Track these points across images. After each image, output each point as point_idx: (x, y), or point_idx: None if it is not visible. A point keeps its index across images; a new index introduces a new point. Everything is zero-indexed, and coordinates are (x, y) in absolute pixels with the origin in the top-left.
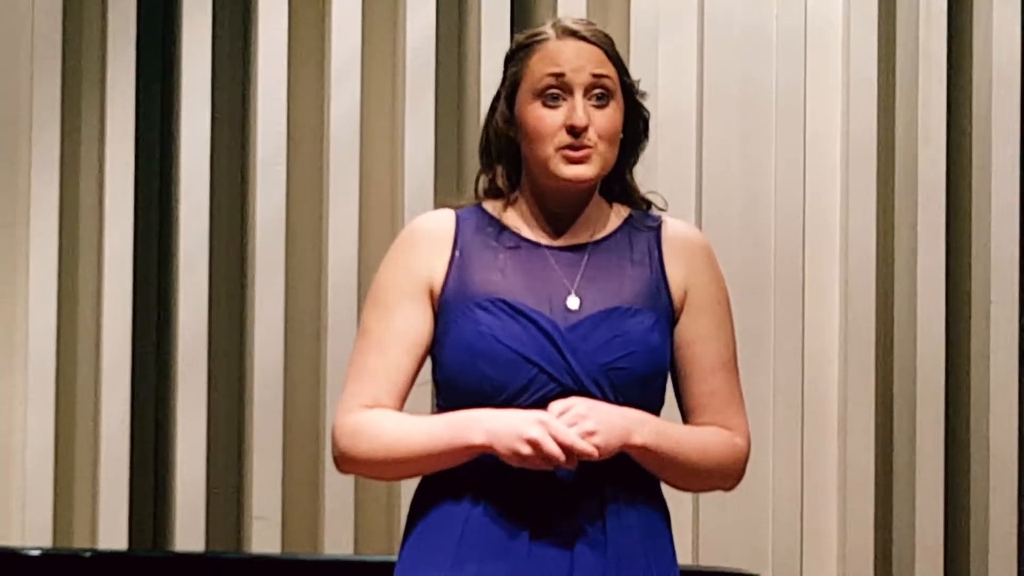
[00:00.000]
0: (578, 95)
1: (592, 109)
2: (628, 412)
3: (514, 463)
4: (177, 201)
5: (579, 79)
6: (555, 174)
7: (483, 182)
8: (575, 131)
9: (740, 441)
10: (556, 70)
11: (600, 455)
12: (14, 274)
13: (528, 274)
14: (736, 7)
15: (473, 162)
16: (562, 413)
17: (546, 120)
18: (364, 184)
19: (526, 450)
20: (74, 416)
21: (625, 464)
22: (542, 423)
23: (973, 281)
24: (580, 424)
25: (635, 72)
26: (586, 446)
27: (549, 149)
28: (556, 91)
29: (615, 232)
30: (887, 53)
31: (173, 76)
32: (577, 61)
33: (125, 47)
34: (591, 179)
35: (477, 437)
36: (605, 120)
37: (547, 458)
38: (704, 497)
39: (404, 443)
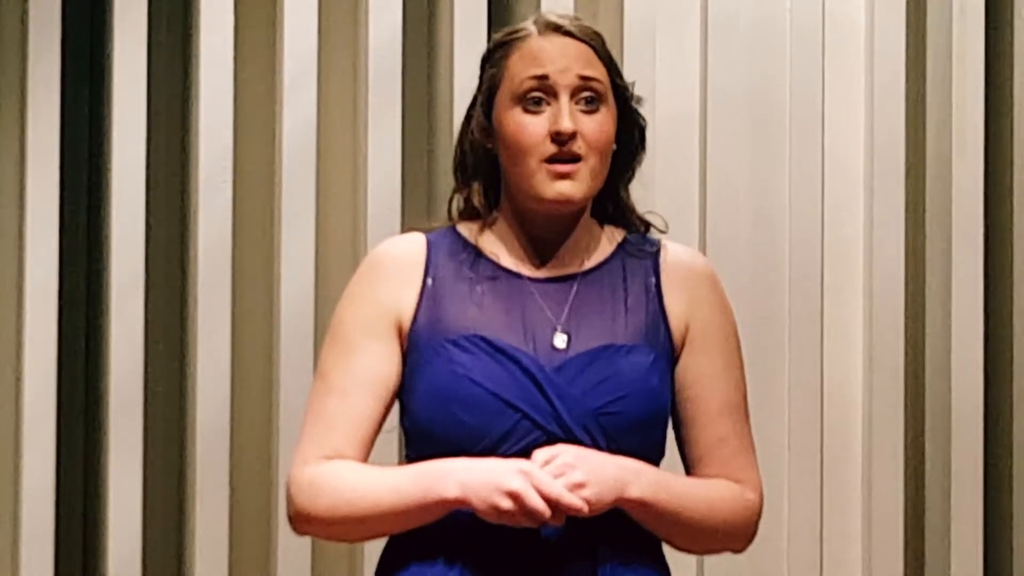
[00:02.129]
0: (564, 99)
1: (580, 115)
2: (622, 462)
3: (493, 519)
4: (108, 225)
5: (565, 81)
6: (538, 193)
7: (458, 202)
8: (561, 138)
9: (751, 496)
10: (538, 71)
11: (591, 510)
12: None
13: (509, 307)
14: (744, 1)
15: (446, 179)
16: (547, 462)
17: (528, 128)
18: (322, 205)
19: (506, 504)
20: None
21: (620, 521)
22: (524, 474)
23: (1015, 310)
24: (568, 475)
25: (630, 74)
26: (574, 500)
27: (532, 162)
28: (539, 95)
29: (608, 259)
30: (916, 53)
31: (103, 82)
32: (562, 60)
33: (48, 49)
34: (579, 200)
35: (451, 490)
36: (595, 127)
37: (530, 513)
38: (710, 559)
39: (368, 499)
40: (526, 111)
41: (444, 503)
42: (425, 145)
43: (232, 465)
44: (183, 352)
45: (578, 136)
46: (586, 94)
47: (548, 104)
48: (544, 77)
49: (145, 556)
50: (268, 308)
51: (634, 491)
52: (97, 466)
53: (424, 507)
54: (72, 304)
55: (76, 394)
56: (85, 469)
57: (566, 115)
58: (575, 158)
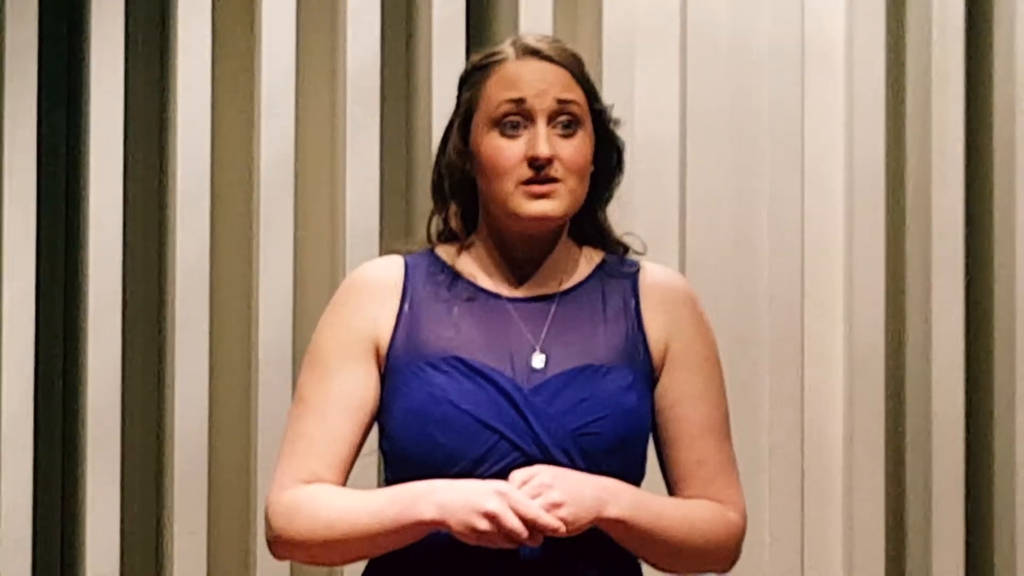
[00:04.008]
0: (541, 123)
1: (557, 139)
2: (601, 481)
3: (471, 541)
4: (85, 246)
5: (542, 105)
6: (516, 212)
7: (436, 224)
8: (538, 163)
9: (734, 515)
10: (515, 95)
11: (568, 530)
12: None
13: (486, 329)
14: (723, 20)
15: (424, 201)
16: (524, 483)
17: (505, 152)
18: (300, 227)
19: (483, 525)
20: None
21: (599, 541)
22: (501, 494)
23: (995, 327)
24: (545, 495)
25: (608, 97)
26: (551, 520)
27: (508, 185)
28: (516, 119)
29: (586, 280)
30: (896, 73)
31: (80, 104)
32: (540, 84)
33: (25, 72)
34: (558, 217)
35: (428, 512)
36: (572, 151)
37: (508, 534)
38: None
39: (346, 521)
40: (503, 135)
41: (422, 525)
42: (403, 167)
43: (210, 488)
44: (161, 373)
45: (555, 161)
46: (563, 118)
47: (525, 128)
48: (521, 101)
49: (123, 572)
50: (246, 330)
51: (613, 511)
52: (75, 488)
53: (402, 529)
54: (49, 325)
55: (54, 415)
56: (63, 490)
57: (543, 140)
58: (552, 180)
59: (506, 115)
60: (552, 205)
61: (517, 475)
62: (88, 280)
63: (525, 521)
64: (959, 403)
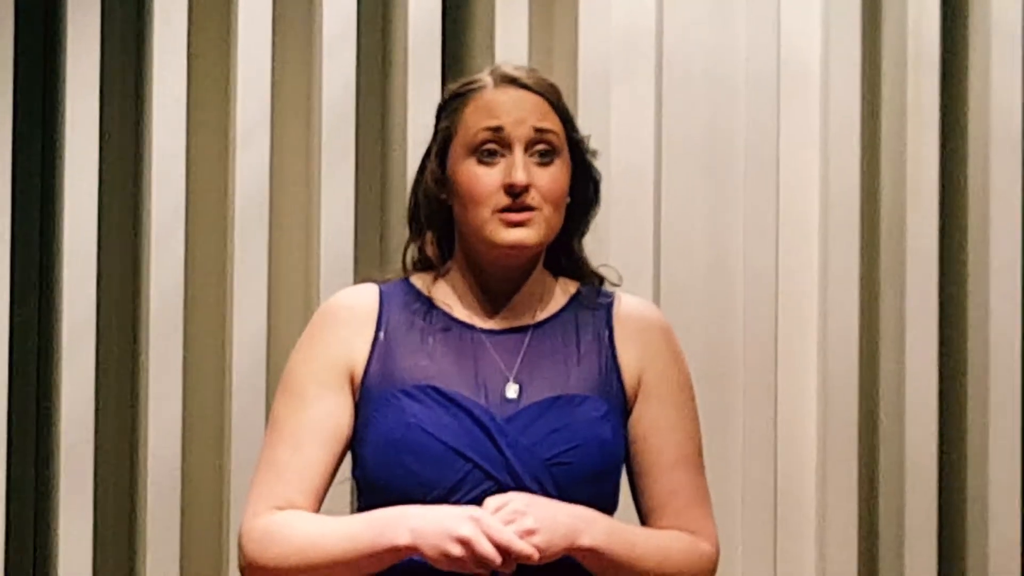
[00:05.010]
0: (518, 151)
1: (535, 167)
2: (575, 510)
3: (444, 567)
4: (60, 276)
5: (519, 133)
6: (492, 240)
7: (412, 252)
8: (514, 191)
9: (706, 547)
10: (493, 123)
11: (541, 557)
12: None
13: (461, 358)
14: (699, 50)
15: (399, 231)
16: (498, 509)
17: (482, 179)
18: (274, 256)
19: (457, 551)
20: None
21: (571, 570)
22: (475, 520)
23: (969, 363)
24: (518, 521)
25: (583, 126)
26: (525, 547)
27: (485, 212)
28: (493, 146)
29: (561, 311)
30: (871, 103)
31: (55, 132)
32: (517, 112)
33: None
34: (533, 246)
35: (401, 537)
36: (549, 180)
37: (481, 560)
38: None
39: (319, 547)
40: (480, 162)
41: (395, 550)
42: (378, 197)
43: (183, 516)
44: (134, 402)
45: (532, 189)
46: (540, 147)
47: (502, 156)
48: (499, 129)
49: None
50: (220, 358)
51: (586, 539)
52: (47, 515)
53: (375, 555)
54: (23, 353)
55: (27, 442)
56: (35, 518)
57: (520, 168)
58: (528, 208)
59: (483, 143)
60: (528, 233)
61: (491, 501)
62: (62, 309)
63: (498, 547)
64: (933, 434)
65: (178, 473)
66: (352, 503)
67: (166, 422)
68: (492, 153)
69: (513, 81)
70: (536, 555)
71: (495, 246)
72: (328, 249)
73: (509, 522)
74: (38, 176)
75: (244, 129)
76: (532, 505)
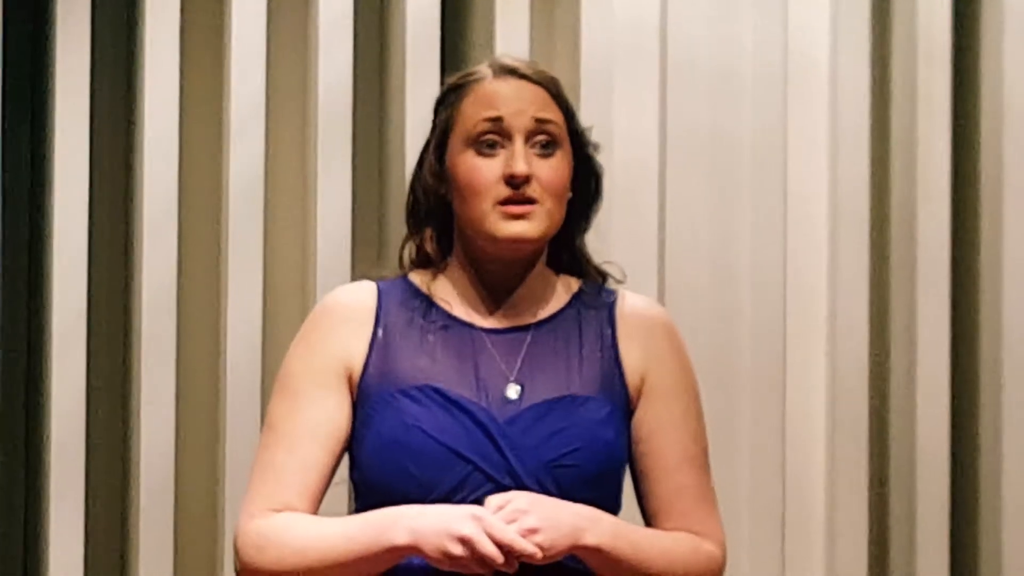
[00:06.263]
0: (518, 141)
1: (535, 158)
2: (579, 508)
3: (445, 567)
4: (50, 269)
5: (519, 123)
6: (492, 234)
7: (410, 249)
8: (515, 182)
9: (712, 548)
10: (492, 113)
11: (544, 556)
12: None
13: (461, 358)
14: (704, 45)
15: (397, 227)
16: (500, 508)
17: (481, 171)
18: (269, 251)
19: (457, 550)
20: None
21: (575, 570)
22: (476, 519)
23: (981, 359)
24: (521, 520)
25: (586, 120)
26: (527, 546)
27: (485, 205)
28: (493, 137)
29: (563, 309)
30: (881, 97)
31: (45, 122)
32: (517, 103)
33: None
34: (535, 239)
35: (401, 537)
36: (550, 171)
37: (482, 559)
38: None
39: (317, 549)
40: (479, 154)
41: (395, 550)
42: (376, 191)
43: (177, 518)
44: (126, 401)
45: (533, 180)
46: (541, 137)
47: (502, 147)
48: (498, 119)
49: None
50: (214, 355)
51: (590, 539)
52: (37, 517)
53: (374, 555)
54: (12, 350)
55: (16, 442)
56: (25, 520)
57: (520, 158)
58: (529, 201)
59: (483, 134)
60: (528, 227)
61: (493, 500)
62: (52, 302)
63: (500, 546)
64: (944, 432)
65: (171, 471)
66: (350, 506)
67: (159, 419)
68: (492, 144)
69: (513, 72)
70: (539, 554)
71: (495, 240)
72: (325, 244)
73: (511, 521)
74: (27, 166)
75: (238, 120)
76: (535, 504)
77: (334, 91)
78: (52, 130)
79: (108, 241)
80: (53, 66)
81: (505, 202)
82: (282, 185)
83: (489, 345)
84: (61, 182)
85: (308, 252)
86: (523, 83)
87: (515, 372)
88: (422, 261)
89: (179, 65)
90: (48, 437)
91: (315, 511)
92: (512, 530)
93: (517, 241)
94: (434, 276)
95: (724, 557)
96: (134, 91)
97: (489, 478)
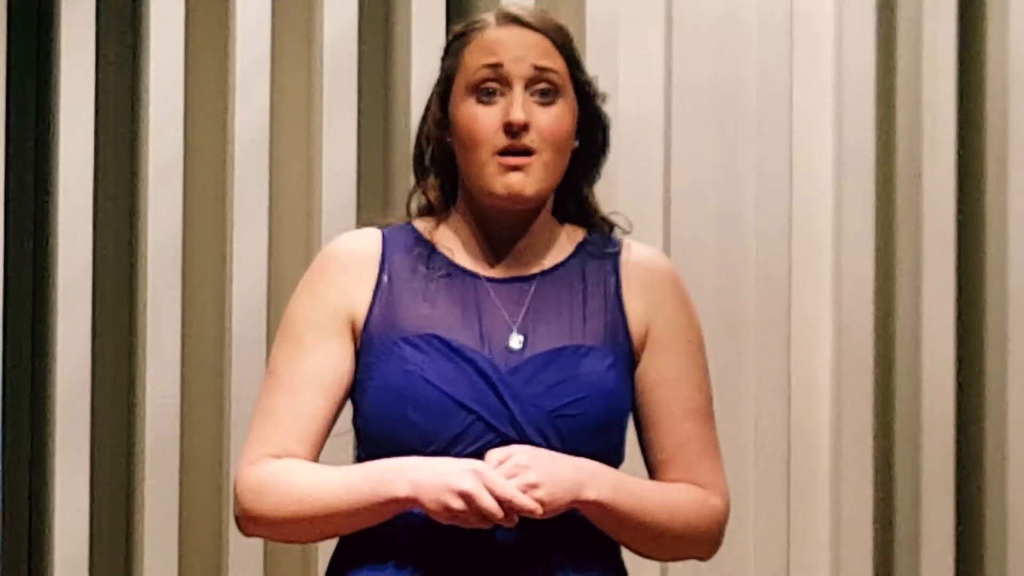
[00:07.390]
0: (517, 88)
1: (535, 106)
2: (580, 463)
3: (444, 520)
4: (55, 222)
5: (518, 70)
6: (488, 188)
7: (417, 199)
8: (512, 129)
9: (716, 501)
10: (492, 60)
11: (545, 512)
12: None
13: (463, 307)
14: None
15: (402, 175)
16: (501, 462)
17: (480, 118)
18: (275, 201)
19: (457, 504)
20: None
21: (577, 524)
22: (477, 473)
23: (987, 310)
24: (521, 475)
25: (592, 72)
26: (527, 501)
27: (484, 154)
28: (493, 85)
29: (567, 259)
30: (886, 49)
31: (50, 78)
32: (517, 50)
33: None
34: (530, 195)
35: (401, 489)
36: (550, 120)
37: (482, 514)
38: (674, 566)
39: (317, 497)
40: (479, 102)
41: (395, 502)
42: (381, 141)
43: (182, 466)
44: (131, 353)
45: (531, 128)
46: (541, 85)
47: (502, 95)
48: (498, 66)
49: (92, 561)
50: (220, 306)
51: (591, 493)
52: (43, 469)
53: (374, 506)
54: (18, 306)
55: (22, 397)
56: (31, 473)
57: (518, 106)
58: (527, 151)
59: (483, 81)
60: (524, 182)
61: (493, 454)
62: (57, 258)
63: (500, 501)
64: (949, 386)
65: (177, 425)
66: (353, 454)
67: (164, 371)
68: (491, 92)
69: (516, 20)
70: (539, 510)
71: (492, 194)
72: (330, 194)
73: (512, 476)
74: (32, 120)
75: (243, 71)
76: (535, 459)
77: (339, 41)
78: (57, 81)
79: (113, 193)
80: (58, 17)
81: (503, 152)
82: (287, 135)
83: (492, 294)
84: (66, 134)
85: (313, 201)
86: (525, 31)
87: (518, 322)
88: (428, 210)
89: (184, 16)
90: (54, 389)
91: (315, 458)
92: (512, 485)
93: (512, 198)
94: (438, 224)
95: (727, 509)
96: (139, 40)
97: (491, 427)
